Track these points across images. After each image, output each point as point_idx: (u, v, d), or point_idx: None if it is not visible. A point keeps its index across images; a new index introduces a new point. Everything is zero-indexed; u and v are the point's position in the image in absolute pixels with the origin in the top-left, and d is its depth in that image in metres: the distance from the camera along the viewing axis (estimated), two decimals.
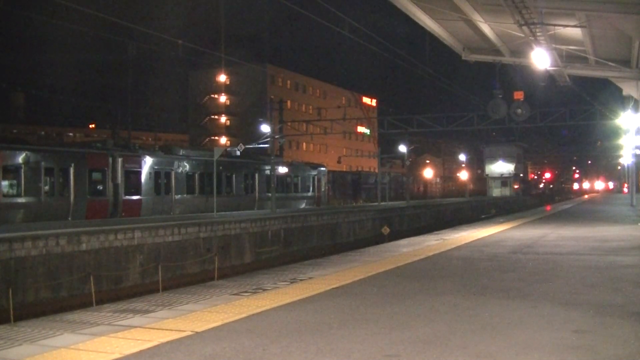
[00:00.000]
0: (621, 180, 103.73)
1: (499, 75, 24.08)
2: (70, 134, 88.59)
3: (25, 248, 14.38)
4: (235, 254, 21.58)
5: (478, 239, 17.06)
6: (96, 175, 26.06)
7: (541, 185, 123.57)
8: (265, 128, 37.93)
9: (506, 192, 77.30)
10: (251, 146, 38.43)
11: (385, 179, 51.60)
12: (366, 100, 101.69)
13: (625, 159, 55.57)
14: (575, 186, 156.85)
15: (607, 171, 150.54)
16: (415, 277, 9.96)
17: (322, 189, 45.11)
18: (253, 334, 6.11)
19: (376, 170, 58.30)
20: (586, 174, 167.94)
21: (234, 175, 34.32)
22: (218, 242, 20.63)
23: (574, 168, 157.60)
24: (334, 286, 8.99)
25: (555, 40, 17.50)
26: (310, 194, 43.19)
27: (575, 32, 17.14)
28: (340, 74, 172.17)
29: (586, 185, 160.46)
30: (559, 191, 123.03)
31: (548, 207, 49.37)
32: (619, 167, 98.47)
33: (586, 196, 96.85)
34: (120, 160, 26.46)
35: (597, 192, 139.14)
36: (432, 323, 6.47)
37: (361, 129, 79.76)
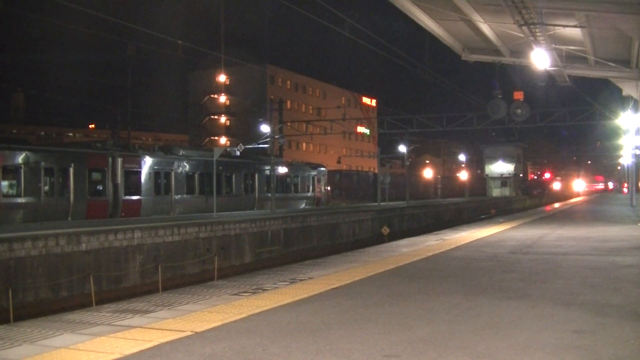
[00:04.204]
0: (621, 180, 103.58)
1: (499, 75, 24.05)
2: (70, 134, 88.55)
3: (25, 248, 14.37)
4: (235, 254, 21.57)
5: (478, 239, 17.06)
6: (96, 176, 26.04)
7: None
8: (265, 128, 37.93)
9: (506, 192, 77.24)
10: (251, 146, 38.41)
11: None
12: (366, 100, 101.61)
13: (625, 159, 55.57)
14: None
15: (604, 170, 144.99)
16: (415, 277, 9.96)
17: (322, 189, 45.13)
18: (253, 334, 6.11)
19: (375, 171, 58.33)
20: (557, 170, 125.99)
21: (233, 176, 34.31)
22: (218, 242, 20.62)
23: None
24: (334, 286, 8.99)
25: (555, 40, 17.50)
26: (310, 194, 43.19)
27: (575, 32, 17.12)
28: (340, 74, 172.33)
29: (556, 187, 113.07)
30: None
31: (547, 208, 49.40)
32: (619, 167, 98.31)
33: (551, 207, 51.64)
34: (120, 160, 26.45)
35: (578, 196, 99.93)
36: (432, 323, 6.46)
37: (361, 129, 79.72)
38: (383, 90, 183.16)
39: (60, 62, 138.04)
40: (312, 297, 8.12)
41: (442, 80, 33.77)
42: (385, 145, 61.25)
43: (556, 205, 50.22)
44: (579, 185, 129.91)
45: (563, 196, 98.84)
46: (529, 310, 7.03)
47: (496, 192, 77.62)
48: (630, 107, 29.22)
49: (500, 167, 77.95)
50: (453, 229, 23.67)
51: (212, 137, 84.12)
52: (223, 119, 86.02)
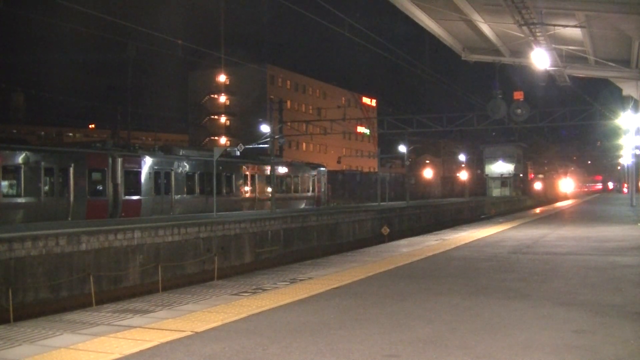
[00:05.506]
0: (621, 180, 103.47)
1: (499, 75, 24.08)
2: (70, 134, 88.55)
3: (25, 248, 14.36)
4: (235, 254, 21.56)
5: (478, 239, 17.06)
6: (96, 176, 26.03)
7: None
8: (265, 128, 37.94)
9: (506, 192, 77.14)
10: (251, 146, 38.42)
11: None
12: (366, 100, 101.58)
13: (625, 159, 55.58)
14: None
15: (605, 170, 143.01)
16: (415, 277, 9.96)
17: (322, 189, 45.12)
18: (253, 334, 6.11)
19: (376, 170, 58.39)
20: (538, 167, 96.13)
21: (233, 176, 34.32)
22: (218, 242, 20.61)
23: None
24: (334, 286, 8.99)
25: (555, 40, 17.51)
26: (310, 194, 43.19)
27: (575, 32, 17.14)
28: (340, 74, 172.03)
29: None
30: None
31: (547, 208, 49.37)
32: (619, 167, 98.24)
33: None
34: (120, 160, 26.44)
35: (566, 199, 77.73)
36: (432, 323, 6.46)
37: (361, 129, 79.70)
38: (383, 90, 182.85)
39: (60, 62, 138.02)
40: (312, 297, 8.12)
41: (442, 80, 33.84)
42: (385, 145, 61.32)
43: (538, 209, 49.51)
44: (567, 185, 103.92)
45: (546, 199, 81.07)
46: (528, 310, 7.03)
47: (496, 192, 77.50)
48: (630, 107, 29.23)
49: (500, 167, 77.84)
50: (453, 229, 23.68)
51: (212, 137, 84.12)
52: (223, 119, 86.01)
